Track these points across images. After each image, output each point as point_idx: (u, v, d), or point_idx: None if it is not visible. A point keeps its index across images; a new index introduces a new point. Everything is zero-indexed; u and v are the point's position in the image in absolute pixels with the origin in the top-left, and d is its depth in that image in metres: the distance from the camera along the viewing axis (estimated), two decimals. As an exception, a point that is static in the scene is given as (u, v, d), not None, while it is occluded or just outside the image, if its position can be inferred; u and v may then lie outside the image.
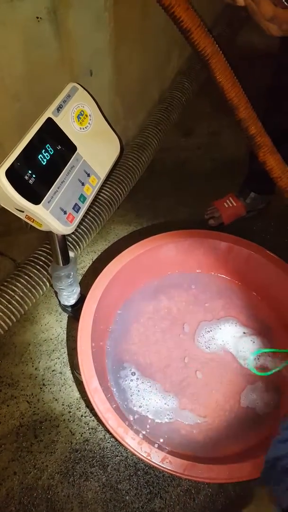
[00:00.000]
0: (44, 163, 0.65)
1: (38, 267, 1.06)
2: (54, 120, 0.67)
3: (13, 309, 1.00)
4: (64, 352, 1.06)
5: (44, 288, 1.08)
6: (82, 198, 0.72)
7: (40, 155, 0.64)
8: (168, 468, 0.73)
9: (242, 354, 1.01)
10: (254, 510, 0.71)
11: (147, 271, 1.12)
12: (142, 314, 1.08)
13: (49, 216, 0.66)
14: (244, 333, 1.05)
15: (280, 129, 0.86)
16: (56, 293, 1.06)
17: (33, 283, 1.04)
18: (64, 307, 1.09)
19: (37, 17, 0.88)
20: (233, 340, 1.04)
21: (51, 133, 0.67)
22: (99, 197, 1.24)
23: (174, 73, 1.70)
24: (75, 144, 0.70)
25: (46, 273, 1.06)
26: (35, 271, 1.05)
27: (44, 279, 1.06)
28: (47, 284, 1.08)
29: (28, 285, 1.03)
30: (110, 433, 0.81)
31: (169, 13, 0.59)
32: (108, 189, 1.26)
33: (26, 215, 0.67)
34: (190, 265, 1.15)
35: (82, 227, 1.17)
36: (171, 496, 0.87)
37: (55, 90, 0.70)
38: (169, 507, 0.86)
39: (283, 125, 0.95)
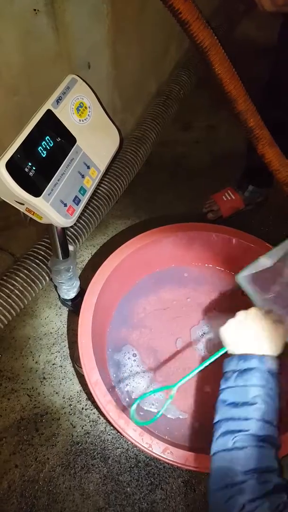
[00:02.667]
0: (44, 155, 0.65)
1: (37, 261, 1.06)
2: (54, 112, 0.66)
3: (13, 303, 1.00)
4: (65, 346, 1.06)
5: (44, 282, 1.08)
6: (82, 190, 0.72)
7: (40, 147, 0.64)
8: (169, 459, 0.74)
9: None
10: None
11: (146, 264, 1.12)
12: (142, 307, 1.09)
13: (50, 208, 0.66)
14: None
15: (278, 122, 0.86)
16: (55, 287, 1.06)
17: (33, 277, 1.04)
18: (63, 301, 1.09)
19: (34, 9, 0.87)
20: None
21: (51, 125, 0.66)
22: (98, 191, 1.24)
23: (172, 66, 1.69)
24: (75, 136, 0.70)
25: (45, 267, 1.06)
26: (35, 265, 1.05)
27: (44, 273, 1.06)
28: (47, 278, 1.08)
29: (28, 279, 1.03)
30: (112, 425, 0.81)
31: (167, 4, 0.58)
32: (106, 183, 1.26)
33: (26, 207, 0.67)
34: (189, 259, 1.15)
35: (81, 221, 1.17)
36: (172, 487, 0.88)
37: (53, 83, 0.70)
38: (170, 498, 0.87)
39: (280, 118, 0.95)
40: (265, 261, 0.76)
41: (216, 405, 0.63)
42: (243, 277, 0.77)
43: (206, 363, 0.66)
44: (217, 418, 0.61)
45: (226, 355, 0.67)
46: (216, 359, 0.66)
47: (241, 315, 0.68)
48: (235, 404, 0.59)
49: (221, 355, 0.67)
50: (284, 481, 0.52)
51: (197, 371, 0.66)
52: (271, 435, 0.57)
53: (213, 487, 0.55)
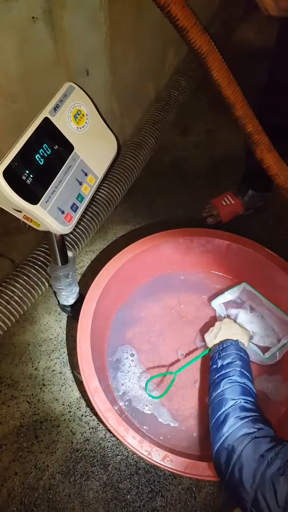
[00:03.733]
0: (41, 163, 0.65)
1: (36, 267, 1.06)
2: (51, 119, 0.67)
3: (12, 310, 1.00)
4: (64, 352, 1.06)
5: (43, 288, 1.08)
6: (80, 197, 0.72)
7: (37, 155, 0.64)
8: (169, 466, 0.73)
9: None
10: None
11: (146, 270, 1.12)
12: (141, 312, 1.08)
13: (47, 216, 0.66)
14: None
15: (277, 127, 0.86)
16: (55, 293, 1.06)
17: (32, 283, 1.04)
18: (63, 307, 1.09)
19: (33, 17, 0.88)
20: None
21: (48, 132, 0.66)
22: (97, 196, 1.24)
23: (170, 72, 1.69)
24: (72, 144, 0.70)
25: (44, 273, 1.06)
26: (34, 271, 1.05)
27: (43, 279, 1.06)
28: (46, 284, 1.08)
29: (27, 285, 1.03)
30: (111, 432, 0.81)
31: (164, 11, 0.59)
32: (106, 189, 1.26)
33: (24, 215, 0.67)
34: (188, 264, 1.15)
35: (80, 226, 1.17)
36: (172, 495, 0.87)
37: (51, 90, 0.70)
38: (171, 505, 0.86)
39: (278, 122, 0.95)
40: (228, 296, 1.08)
41: (209, 375, 0.82)
42: (217, 304, 1.06)
43: (203, 354, 0.90)
44: (210, 381, 0.80)
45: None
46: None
47: (217, 324, 0.93)
48: (221, 366, 0.80)
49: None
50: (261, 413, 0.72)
51: (195, 361, 0.91)
52: (249, 385, 0.76)
53: (212, 421, 0.72)
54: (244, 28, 2.10)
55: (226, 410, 0.71)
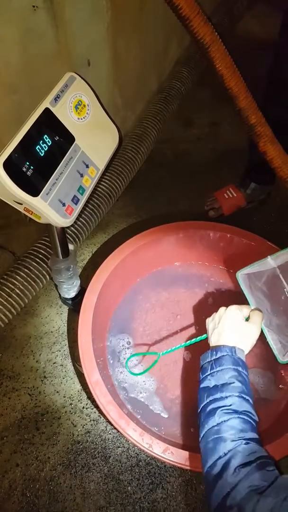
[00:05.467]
0: (42, 154, 0.64)
1: (37, 260, 1.06)
2: (52, 110, 0.66)
3: (13, 302, 1.00)
4: (65, 345, 1.06)
5: (44, 281, 1.08)
6: (81, 189, 0.71)
7: (38, 146, 0.64)
8: (170, 459, 0.73)
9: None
10: None
11: (147, 263, 1.11)
12: (143, 305, 1.08)
13: (48, 208, 0.65)
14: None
15: (280, 121, 0.85)
16: (56, 286, 1.06)
17: (33, 276, 1.04)
18: (64, 300, 1.08)
19: (33, 6, 0.86)
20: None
21: (49, 123, 0.66)
22: (98, 189, 1.23)
23: (172, 63, 1.67)
24: (73, 135, 0.69)
25: (46, 266, 1.06)
26: (35, 264, 1.05)
27: (44, 272, 1.06)
28: (47, 277, 1.07)
29: (28, 278, 1.03)
30: (112, 425, 0.81)
31: (167, 0, 0.58)
32: (107, 181, 1.25)
33: (25, 207, 0.66)
34: (190, 257, 1.15)
35: (81, 219, 1.16)
36: (173, 486, 0.88)
37: (52, 81, 0.69)
38: (171, 497, 0.87)
39: (282, 116, 0.94)
40: (271, 262, 0.86)
41: (198, 395, 0.69)
42: (243, 275, 0.87)
43: (192, 342, 0.83)
44: (200, 404, 0.67)
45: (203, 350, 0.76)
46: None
47: (222, 310, 0.80)
48: (215, 387, 0.67)
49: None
50: (266, 453, 0.59)
51: (183, 347, 0.84)
52: (249, 411, 0.64)
53: (206, 465, 0.60)
54: (248, 19, 2.07)
55: (224, 456, 0.58)
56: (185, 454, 0.74)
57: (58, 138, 0.67)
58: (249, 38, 2.00)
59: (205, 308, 1.08)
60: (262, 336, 1.05)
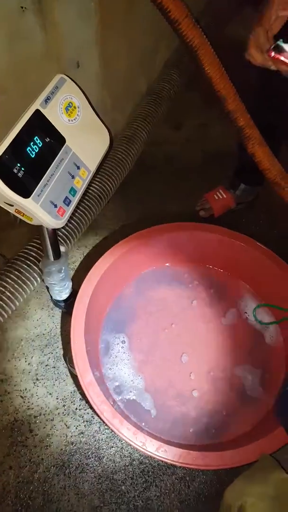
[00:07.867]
0: (32, 156, 0.64)
1: (28, 262, 1.05)
2: (42, 112, 0.66)
3: (4, 305, 1.00)
4: (58, 347, 1.06)
5: (35, 283, 1.07)
6: (73, 191, 0.72)
7: (29, 148, 0.64)
8: (163, 456, 0.74)
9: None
10: (259, 473, 0.71)
11: (139, 264, 1.12)
12: (134, 307, 1.09)
13: (39, 209, 0.65)
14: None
15: (268, 124, 0.86)
16: (47, 288, 1.06)
17: (24, 278, 1.04)
18: (56, 302, 1.08)
19: (22, 7, 0.86)
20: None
21: (39, 125, 0.66)
22: (89, 191, 1.23)
23: (162, 65, 1.68)
24: (64, 136, 0.70)
25: (36, 268, 1.05)
26: (26, 266, 1.05)
27: (35, 274, 1.06)
28: (38, 279, 1.07)
29: (19, 281, 1.03)
30: (106, 425, 0.81)
31: (156, 3, 0.58)
32: (98, 183, 1.25)
33: (16, 209, 0.66)
34: (180, 258, 1.16)
35: (72, 221, 1.16)
36: (166, 484, 0.88)
37: (42, 83, 0.69)
38: (165, 495, 0.87)
39: (271, 120, 0.96)
40: None
41: None
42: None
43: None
44: None
45: None
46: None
47: None
48: None
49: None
50: None
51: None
52: None
53: None
54: (236, 22, 2.09)
55: None
56: (178, 451, 0.75)
57: (49, 139, 0.67)
58: (237, 40, 2.02)
59: (196, 308, 1.09)
60: (256, 333, 1.06)
